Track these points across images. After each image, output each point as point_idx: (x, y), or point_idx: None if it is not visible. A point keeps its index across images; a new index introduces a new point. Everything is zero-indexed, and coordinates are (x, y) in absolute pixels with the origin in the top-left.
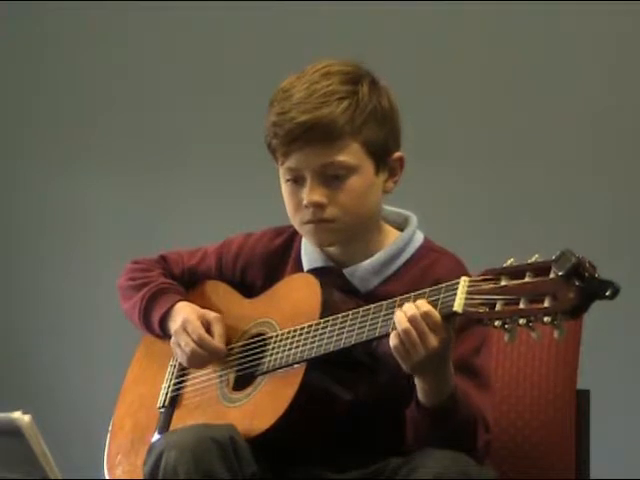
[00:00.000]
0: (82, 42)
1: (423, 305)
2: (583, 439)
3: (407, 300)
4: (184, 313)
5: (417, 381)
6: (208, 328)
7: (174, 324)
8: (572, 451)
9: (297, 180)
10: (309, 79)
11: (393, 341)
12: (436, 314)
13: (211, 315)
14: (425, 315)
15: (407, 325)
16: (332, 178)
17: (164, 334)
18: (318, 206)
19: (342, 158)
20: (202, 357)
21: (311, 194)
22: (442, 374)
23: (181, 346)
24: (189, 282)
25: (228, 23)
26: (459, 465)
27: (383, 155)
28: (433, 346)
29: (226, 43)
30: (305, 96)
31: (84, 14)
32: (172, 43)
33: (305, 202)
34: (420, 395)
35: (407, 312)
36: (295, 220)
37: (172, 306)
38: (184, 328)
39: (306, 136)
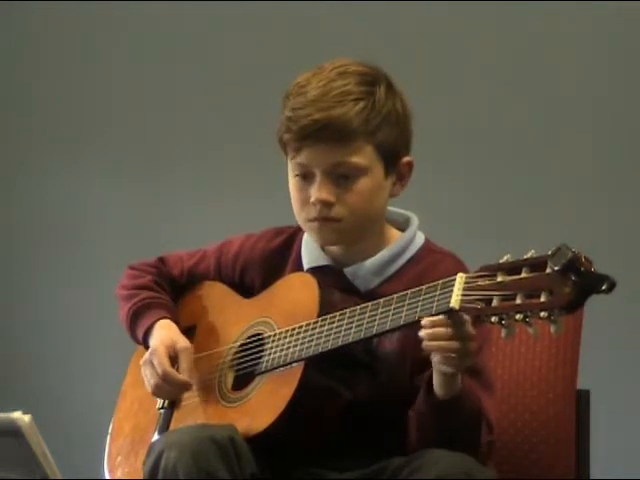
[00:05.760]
0: (83, 42)
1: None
2: (583, 439)
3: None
4: (156, 340)
5: (438, 373)
6: (176, 358)
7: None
8: (572, 451)
9: (306, 176)
10: (326, 76)
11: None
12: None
13: (180, 345)
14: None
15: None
16: (342, 178)
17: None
18: (325, 204)
19: (354, 159)
20: (166, 390)
21: (319, 191)
22: None
23: (147, 377)
24: (188, 283)
25: (228, 23)
26: (462, 466)
27: (393, 159)
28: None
29: (227, 43)
30: (321, 94)
31: (85, 14)
32: (172, 43)
33: (313, 199)
34: (436, 386)
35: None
36: (300, 216)
37: (153, 324)
38: (150, 360)
39: (319, 134)
